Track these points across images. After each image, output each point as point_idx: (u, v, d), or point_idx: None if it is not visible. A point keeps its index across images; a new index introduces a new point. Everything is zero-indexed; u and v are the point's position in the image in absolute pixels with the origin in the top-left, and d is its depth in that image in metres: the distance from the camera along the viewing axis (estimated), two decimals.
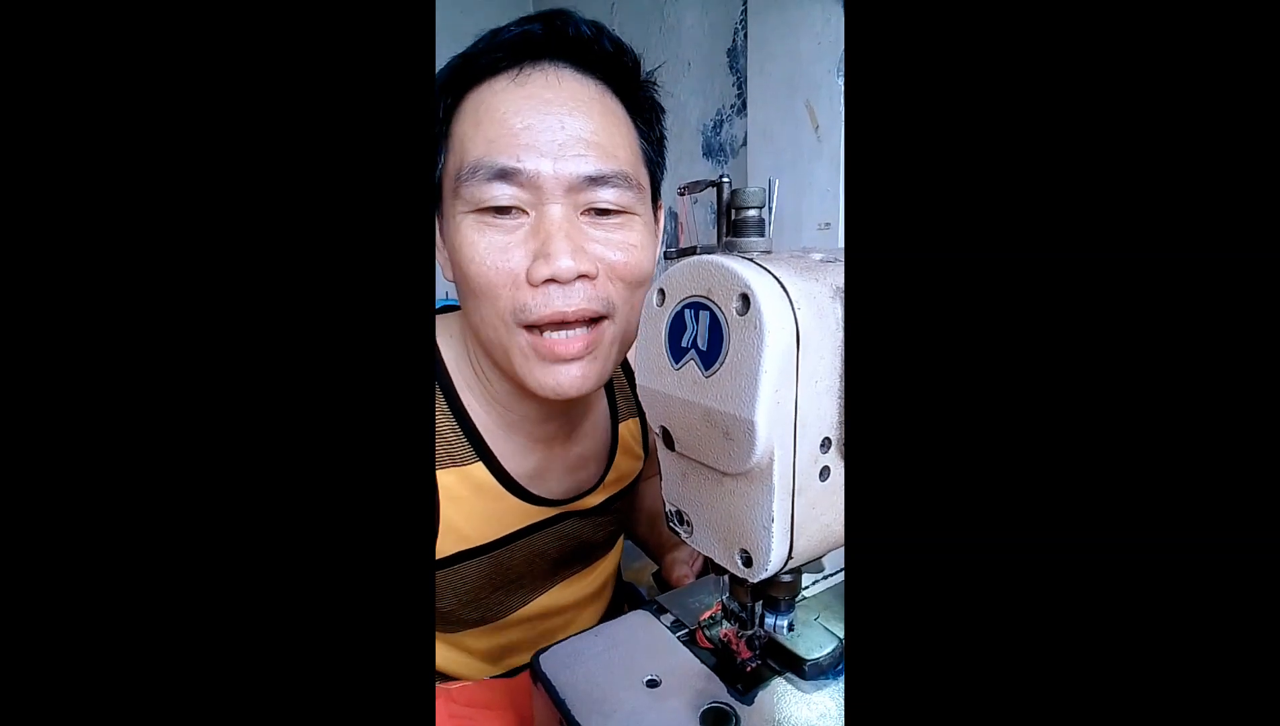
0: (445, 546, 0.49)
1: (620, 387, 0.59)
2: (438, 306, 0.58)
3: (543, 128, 0.39)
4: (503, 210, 0.40)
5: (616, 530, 0.65)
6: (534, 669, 0.40)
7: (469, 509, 0.49)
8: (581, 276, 0.40)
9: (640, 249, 0.44)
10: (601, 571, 0.64)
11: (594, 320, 0.43)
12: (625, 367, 0.60)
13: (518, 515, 0.51)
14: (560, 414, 0.51)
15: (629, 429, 0.59)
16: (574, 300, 0.40)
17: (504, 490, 0.50)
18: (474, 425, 0.49)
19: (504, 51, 0.41)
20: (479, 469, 0.49)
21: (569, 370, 0.42)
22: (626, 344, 0.46)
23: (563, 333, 0.42)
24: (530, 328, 0.41)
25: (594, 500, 0.56)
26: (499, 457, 0.50)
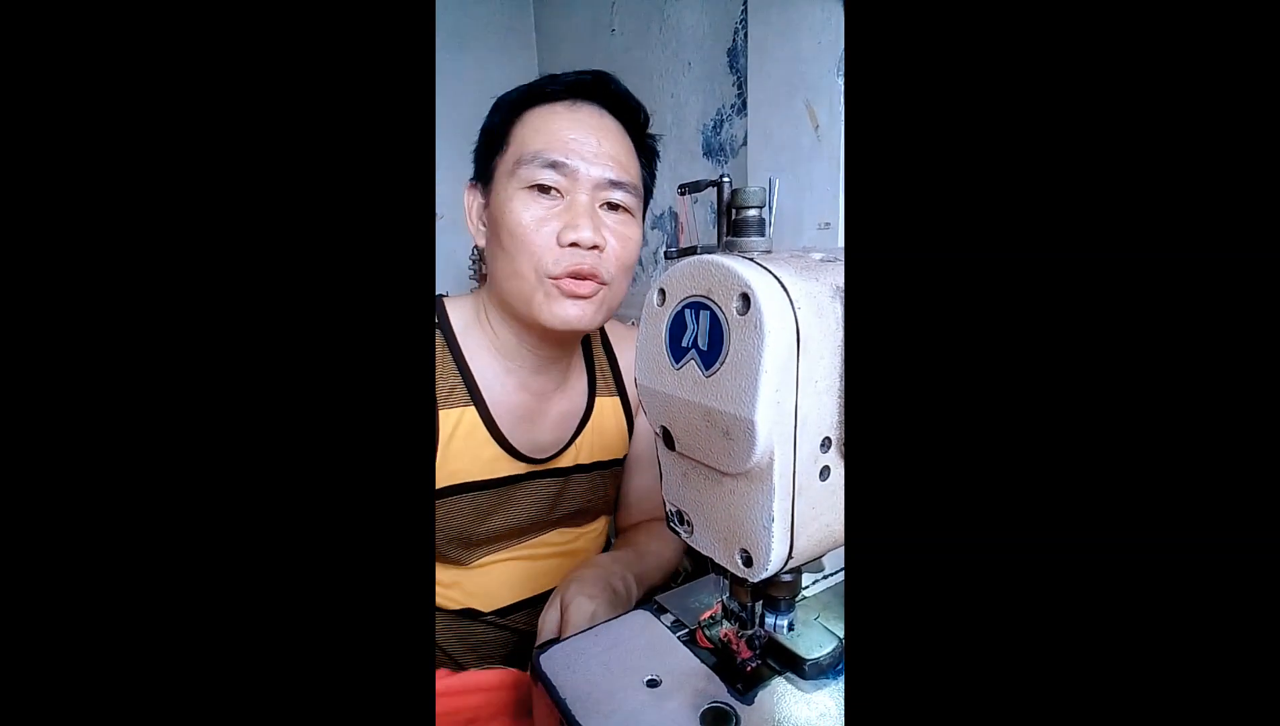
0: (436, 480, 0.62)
1: (601, 368, 0.75)
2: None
3: (584, 141, 0.58)
4: (545, 190, 0.57)
5: (594, 508, 0.75)
6: (534, 668, 0.40)
7: (458, 447, 0.64)
8: (594, 246, 0.57)
9: (632, 241, 0.61)
10: (588, 540, 0.76)
11: (596, 281, 0.59)
12: (611, 357, 0.76)
13: (498, 463, 0.65)
14: (548, 369, 0.68)
15: (606, 404, 0.74)
16: (588, 261, 0.57)
17: (488, 436, 0.65)
18: (474, 379, 0.65)
19: (564, 87, 0.60)
20: (470, 413, 0.64)
21: (577, 305, 0.59)
22: (610, 311, 0.63)
23: (577, 280, 0.58)
24: (552, 278, 0.58)
25: (566, 461, 0.70)
26: (489, 404, 0.65)
